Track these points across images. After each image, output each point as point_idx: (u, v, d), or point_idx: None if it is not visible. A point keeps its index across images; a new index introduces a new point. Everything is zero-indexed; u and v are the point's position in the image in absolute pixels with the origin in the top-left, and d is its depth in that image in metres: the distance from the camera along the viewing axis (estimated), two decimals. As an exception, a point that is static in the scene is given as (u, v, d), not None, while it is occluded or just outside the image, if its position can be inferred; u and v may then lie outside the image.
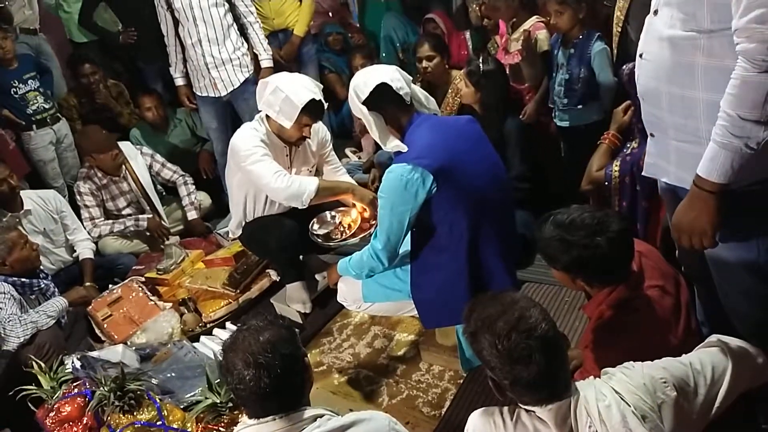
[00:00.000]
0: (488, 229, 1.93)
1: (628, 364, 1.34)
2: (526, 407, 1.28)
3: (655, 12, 1.41)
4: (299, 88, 2.37)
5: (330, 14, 4.47)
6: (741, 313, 1.57)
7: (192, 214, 3.54)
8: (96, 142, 3.28)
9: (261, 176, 2.39)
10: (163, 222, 3.47)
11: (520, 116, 2.92)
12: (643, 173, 1.67)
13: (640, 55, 1.48)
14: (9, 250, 2.52)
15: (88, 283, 3.01)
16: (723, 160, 1.26)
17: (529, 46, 2.81)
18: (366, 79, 1.92)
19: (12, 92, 3.57)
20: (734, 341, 1.43)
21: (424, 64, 3.25)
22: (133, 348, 2.45)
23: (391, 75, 1.92)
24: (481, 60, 2.75)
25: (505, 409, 1.33)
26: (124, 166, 3.39)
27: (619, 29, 2.57)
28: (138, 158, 3.46)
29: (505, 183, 2.04)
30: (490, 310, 1.30)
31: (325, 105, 2.44)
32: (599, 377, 1.34)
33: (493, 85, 2.72)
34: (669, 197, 1.66)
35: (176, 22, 3.35)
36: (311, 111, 2.38)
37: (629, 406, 1.23)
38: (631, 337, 1.55)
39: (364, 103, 1.90)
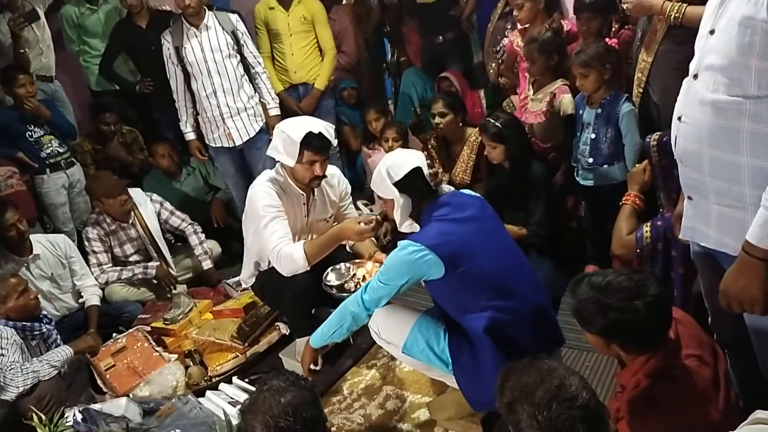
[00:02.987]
0: (514, 309, 1.92)
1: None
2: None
3: (695, 76, 1.41)
4: (298, 125, 2.44)
5: (347, 70, 4.55)
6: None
7: (206, 264, 3.51)
8: (106, 187, 3.27)
9: (266, 245, 2.45)
10: (171, 270, 3.41)
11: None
12: (680, 236, 1.63)
13: (679, 118, 1.47)
14: (3, 299, 2.48)
15: (92, 330, 2.92)
16: (774, 227, 1.22)
17: (553, 108, 2.84)
18: (401, 162, 2.01)
19: (27, 135, 3.58)
20: (783, 418, 1.35)
21: (438, 120, 3.31)
22: (137, 401, 2.35)
23: (422, 160, 2.03)
24: (493, 117, 2.82)
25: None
26: (133, 213, 3.37)
27: (641, 90, 2.60)
28: (147, 205, 3.44)
29: (525, 265, 2.07)
30: (527, 379, 1.24)
31: (333, 141, 2.46)
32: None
33: (514, 133, 2.80)
34: (703, 261, 1.62)
35: (187, 77, 3.41)
36: (311, 144, 2.40)
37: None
38: (671, 409, 1.46)
39: (395, 184, 1.97)
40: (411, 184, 1.99)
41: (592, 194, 2.84)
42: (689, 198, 1.52)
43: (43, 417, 1.97)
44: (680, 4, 2.23)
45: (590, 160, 2.74)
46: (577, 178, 2.84)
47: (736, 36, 1.26)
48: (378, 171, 2.03)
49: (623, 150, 2.67)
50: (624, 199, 2.32)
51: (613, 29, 2.96)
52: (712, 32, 1.36)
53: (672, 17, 2.25)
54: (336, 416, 2.43)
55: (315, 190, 2.66)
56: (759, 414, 1.39)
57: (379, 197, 2.09)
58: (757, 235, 1.25)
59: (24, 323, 2.50)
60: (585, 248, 2.97)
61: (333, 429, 2.36)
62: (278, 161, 2.53)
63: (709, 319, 1.75)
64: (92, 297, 3.14)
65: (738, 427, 1.37)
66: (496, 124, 2.79)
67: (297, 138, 2.38)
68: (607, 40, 2.85)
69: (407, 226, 2.01)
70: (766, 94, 1.23)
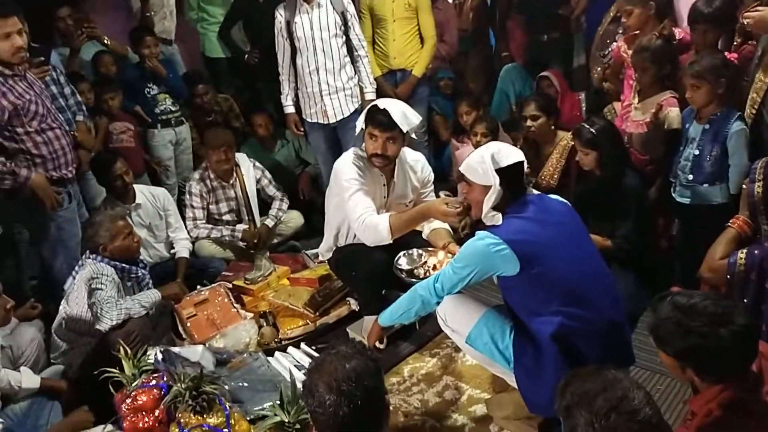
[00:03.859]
0: (586, 319, 1.89)
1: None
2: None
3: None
4: (379, 101, 2.57)
5: (447, 61, 4.55)
6: None
7: (268, 222, 3.65)
8: (212, 138, 3.50)
9: (350, 214, 2.54)
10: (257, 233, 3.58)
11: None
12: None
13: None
14: (112, 238, 2.65)
15: (179, 280, 3.13)
16: None
17: (657, 120, 2.72)
18: (507, 152, 2.00)
19: (146, 92, 3.87)
20: None
21: (529, 123, 3.27)
22: (212, 351, 2.50)
23: (523, 157, 2.02)
24: (589, 123, 2.74)
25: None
26: (235, 174, 3.56)
27: (754, 111, 2.44)
28: (250, 170, 3.63)
29: (605, 277, 2.01)
30: (590, 386, 1.22)
31: (402, 126, 2.51)
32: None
33: (608, 142, 2.71)
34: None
35: (293, 52, 3.52)
36: (373, 117, 2.52)
37: None
38: (741, 443, 1.40)
39: (498, 170, 1.94)
40: (511, 175, 1.97)
41: (687, 213, 2.71)
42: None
43: (129, 351, 2.13)
44: None
45: (690, 176, 2.61)
46: (674, 195, 2.71)
47: None
48: (479, 155, 2.00)
49: (727, 170, 2.52)
50: (731, 221, 2.20)
51: (735, 43, 2.78)
52: None
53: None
54: (394, 396, 2.48)
55: (397, 172, 2.71)
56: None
57: (467, 183, 2.07)
58: None
59: (123, 265, 2.69)
60: (673, 268, 2.84)
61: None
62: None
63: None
64: (183, 249, 3.36)
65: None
66: (591, 130, 2.71)
67: (366, 110, 2.55)
68: (726, 53, 2.69)
69: (491, 217, 1.98)
70: None
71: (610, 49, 3.22)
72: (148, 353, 2.22)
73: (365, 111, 2.58)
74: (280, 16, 3.51)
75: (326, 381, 1.33)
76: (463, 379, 2.54)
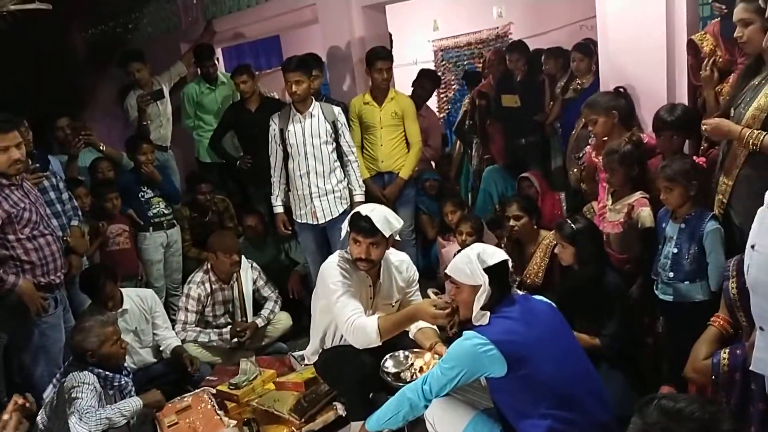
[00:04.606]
0: (575, 422, 1.88)
1: None
2: None
3: (770, 206, 1.40)
4: (361, 206, 2.68)
5: (432, 163, 4.74)
6: None
7: (259, 321, 3.63)
8: (226, 243, 3.57)
9: (338, 317, 2.55)
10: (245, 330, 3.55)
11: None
12: (751, 368, 1.56)
13: (752, 246, 1.45)
14: (100, 344, 2.61)
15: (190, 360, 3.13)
16: None
17: (630, 220, 2.82)
18: (492, 251, 2.07)
19: (140, 196, 3.98)
20: None
21: (512, 222, 3.36)
22: (192, 462, 2.41)
23: (508, 256, 2.09)
24: (571, 220, 2.83)
25: None
26: (235, 275, 3.61)
27: (722, 212, 2.54)
28: (248, 271, 3.68)
29: (593, 378, 2.03)
30: None
31: (385, 231, 2.56)
32: None
33: (588, 240, 2.77)
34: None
35: (285, 156, 3.70)
36: (355, 224, 2.59)
37: None
38: None
39: (486, 270, 2.00)
40: (498, 274, 2.02)
41: (671, 310, 2.73)
42: (761, 329, 1.47)
43: (108, 464, 2.07)
44: (759, 132, 2.23)
45: (671, 274, 2.66)
46: (657, 292, 2.75)
47: None
48: (466, 256, 2.05)
49: (706, 268, 2.58)
50: (712, 319, 2.22)
51: (702, 147, 2.95)
52: None
53: (750, 144, 2.25)
54: (382, 507, 2.38)
55: (382, 274, 2.75)
56: None
57: (454, 284, 2.12)
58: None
59: (108, 373, 2.64)
60: (661, 367, 2.82)
61: None
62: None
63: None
64: (174, 341, 3.35)
65: None
66: (572, 225, 2.80)
67: (350, 216, 2.62)
68: (695, 157, 2.84)
69: (480, 317, 2.01)
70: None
71: (584, 152, 3.39)
72: (127, 465, 2.15)
73: (349, 217, 2.66)
74: (274, 124, 3.71)
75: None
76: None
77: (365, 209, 2.62)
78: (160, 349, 3.36)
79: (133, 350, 3.25)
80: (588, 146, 3.33)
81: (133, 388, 2.79)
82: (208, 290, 3.55)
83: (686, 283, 2.62)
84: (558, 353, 1.95)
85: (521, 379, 1.88)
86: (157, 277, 4.00)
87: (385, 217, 2.59)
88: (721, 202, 2.51)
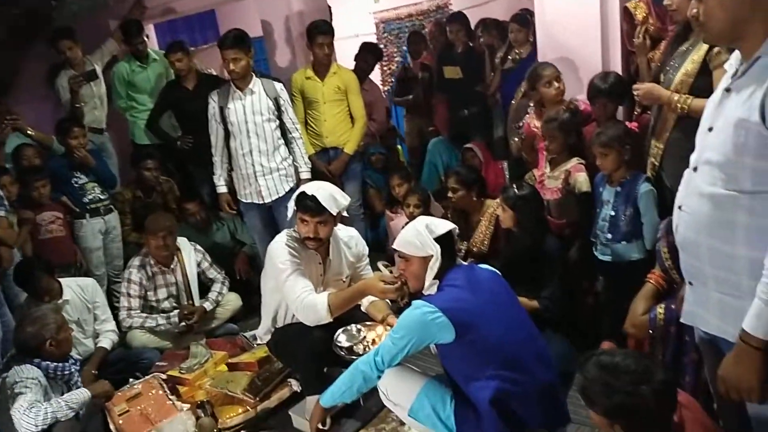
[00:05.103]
0: (521, 382, 1.95)
1: None
2: None
3: (695, 168, 1.48)
4: (307, 185, 2.64)
5: (377, 137, 4.74)
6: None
7: (207, 305, 3.56)
8: (152, 223, 3.45)
9: (288, 296, 2.54)
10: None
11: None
12: (681, 320, 1.66)
13: (679, 207, 1.53)
14: (58, 329, 2.57)
15: (92, 371, 3.00)
16: (768, 317, 1.25)
17: (568, 186, 2.92)
18: (439, 222, 2.12)
19: (73, 182, 3.81)
20: None
21: (450, 194, 3.43)
22: (146, 449, 2.38)
23: (454, 226, 2.13)
24: (515, 186, 2.90)
25: None
26: (177, 259, 3.51)
27: (653, 174, 2.66)
28: (191, 254, 3.59)
29: (537, 340, 2.10)
30: None
31: (332, 210, 2.55)
32: None
33: (529, 207, 2.85)
34: (707, 347, 1.64)
35: (227, 135, 3.61)
36: (301, 203, 2.57)
37: None
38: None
39: (437, 239, 2.05)
40: (446, 243, 2.07)
41: (609, 270, 2.86)
42: (690, 283, 1.56)
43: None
44: (687, 96, 2.33)
45: (609, 236, 2.78)
46: (596, 253, 2.87)
47: (731, 136, 1.34)
48: (414, 228, 2.09)
49: (641, 228, 2.71)
50: (648, 276, 2.32)
51: (636, 113, 3.07)
52: (710, 129, 1.44)
53: (679, 108, 2.35)
54: (341, 478, 2.43)
55: (332, 250, 2.75)
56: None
57: (403, 257, 2.14)
58: (752, 325, 1.28)
59: (56, 363, 2.57)
60: (601, 324, 2.96)
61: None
62: None
63: (715, 405, 1.74)
64: (106, 340, 3.23)
65: None
66: (515, 190, 2.88)
67: (295, 196, 2.60)
68: (628, 123, 2.95)
69: (430, 286, 2.06)
70: (760, 189, 1.29)
71: (523, 122, 3.46)
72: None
73: (294, 196, 2.64)
74: (214, 102, 3.61)
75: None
76: (412, 452, 2.51)
77: (311, 188, 2.60)
78: (96, 341, 3.25)
79: (77, 341, 3.14)
80: (527, 115, 3.41)
81: (79, 379, 2.72)
82: (149, 274, 3.46)
83: (623, 243, 2.74)
84: (503, 318, 2.01)
85: (469, 344, 1.94)
86: (97, 264, 3.86)
87: (331, 195, 2.58)
88: (653, 165, 2.62)
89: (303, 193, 2.57)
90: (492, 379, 1.93)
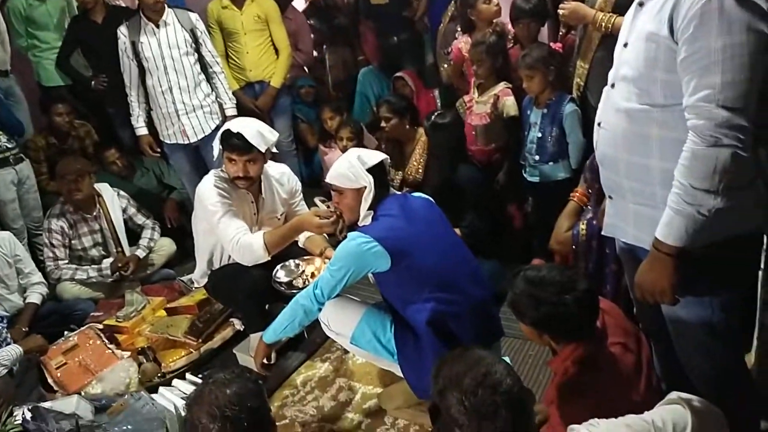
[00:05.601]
0: (455, 302, 2.02)
1: (593, 421, 1.36)
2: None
3: (612, 85, 1.52)
4: (231, 122, 2.56)
5: (305, 69, 4.58)
6: (696, 368, 1.63)
7: (139, 252, 3.45)
8: (62, 166, 3.26)
9: (222, 238, 2.51)
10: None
11: (494, 183, 3.07)
12: (602, 232, 1.75)
13: (599, 124, 1.58)
14: None
15: (25, 328, 2.90)
16: (678, 225, 1.34)
17: (496, 110, 2.95)
18: (370, 153, 2.12)
19: (-27, 131, 3.51)
20: (694, 398, 1.48)
21: (383, 124, 3.41)
22: (88, 399, 2.35)
23: (385, 156, 2.13)
24: (437, 114, 2.91)
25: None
26: (98, 205, 3.35)
27: (579, 94, 2.72)
28: (114, 199, 3.43)
29: (470, 261, 2.16)
30: (457, 368, 1.32)
31: (260, 146, 2.48)
32: (565, 434, 1.36)
33: (443, 136, 2.91)
34: (626, 256, 1.74)
35: (141, 72, 3.41)
36: (227, 142, 2.50)
37: (594, 462, 1.25)
38: (596, 394, 1.58)
39: (369, 170, 2.05)
40: (379, 173, 2.08)
41: (538, 190, 2.97)
42: (610, 197, 1.64)
43: (-8, 416, 1.97)
44: (611, 14, 2.36)
45: (536, 157, 2.86)
46: (525, 175, 2.96)
47: (643, 50, 1.38)
48: (346, 161, 2.08)
49: (567, 148, 2.80)
50: (571, 194, 2.41)
51: (561, 33, 3.09)
52: (625, 45, 1.47)
53: (603, 27, 2.38)
54: (289, 408, 2.49)
55: (264, 189, 2.70)
56: (673, 395, 1.51)
57: (336, 191, 2.14)
58: (663, 233, 1.36)
59: (-22, 322, 2.46)
60: (531, 242, 3.09)
61: (285, 421, 2.42)
62: None
63: (634, 309, 1.88)
64: (34, 294, 3.09)
65: (655, 406, 1.50)
66: (436, 119, 2.89)
67: (219, 134, 2.51)
68: (552, 44, 2.97)
69: (365, 217, 2.08)
70: (671, 103, 1.35)
71: (451, 48, 3.43)
72: (14, 414, 2.06)
73: (219, 134, 2.54)
74: (124, 36, 3.37)
75: (208, 410, 1.32)
76: (354, 378, 2.60)
77: (236, 125, 2.50)
78: (24, 296, 3.12)
79: (1, 297, 3.00)
80: (455, 41, 3.37)
81: (9, 335, 2.62)
82: (71, 222, 3.30)
83: (550, 164, 2.83)
84: (437, 243, 2.06)
85: (404, 270, 1.98)
86: (13, 218, 3.63)
87: (258, 131, 2.49)
88: (578, 85, 2.68)
89: (228, 131, 2.48)
90: (428, 301, 2.00)
